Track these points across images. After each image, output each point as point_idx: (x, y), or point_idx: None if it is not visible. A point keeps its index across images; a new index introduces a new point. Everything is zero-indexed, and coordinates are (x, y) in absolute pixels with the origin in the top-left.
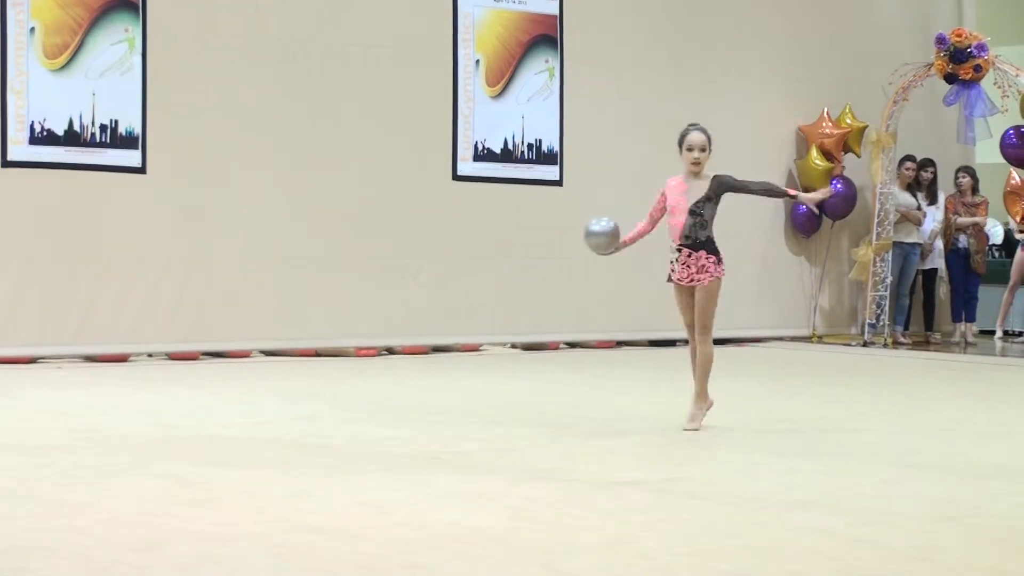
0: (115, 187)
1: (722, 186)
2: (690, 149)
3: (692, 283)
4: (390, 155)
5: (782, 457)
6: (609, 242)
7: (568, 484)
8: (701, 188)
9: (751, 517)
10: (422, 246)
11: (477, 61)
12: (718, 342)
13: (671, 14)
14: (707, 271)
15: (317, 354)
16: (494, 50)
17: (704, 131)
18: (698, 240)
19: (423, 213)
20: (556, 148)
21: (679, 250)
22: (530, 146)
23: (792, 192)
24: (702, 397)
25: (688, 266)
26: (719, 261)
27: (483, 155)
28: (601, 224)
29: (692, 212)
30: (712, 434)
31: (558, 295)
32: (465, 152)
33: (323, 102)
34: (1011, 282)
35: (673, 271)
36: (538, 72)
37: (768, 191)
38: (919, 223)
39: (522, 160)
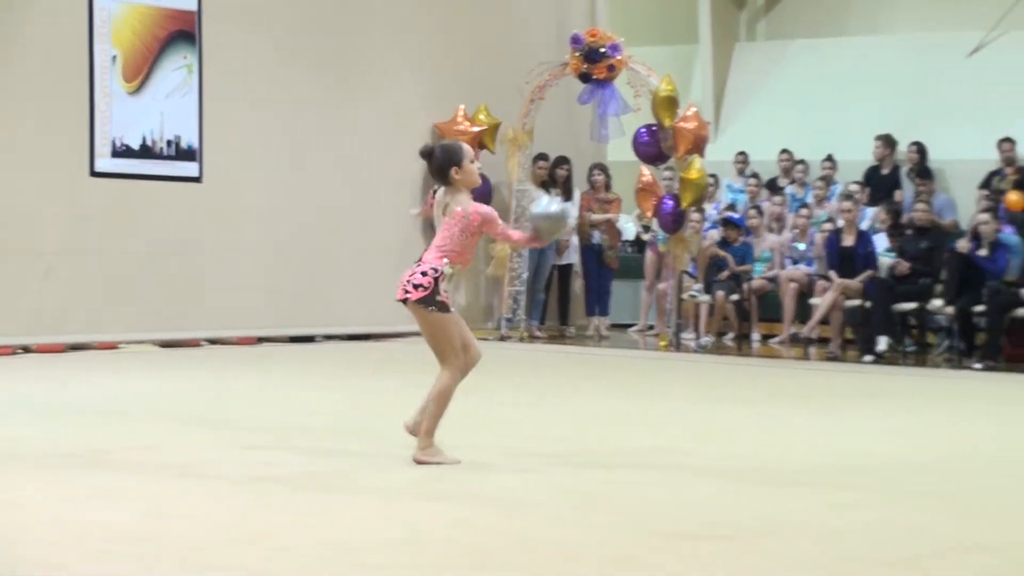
0: None
1: None
2: (472, 161)
3: None
4: (26, 150)
5: (411, 450)
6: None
7: (209, 481)
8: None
9: (390, 510)
10: (58, 242)
11: (114, 57)
12: (360, 337)
13: (312, 12)
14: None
15: None
16: (131, 46)
17: None
18: None
19: (60, 209)
20: (195, 145)
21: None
22: (169, 142)
23: None
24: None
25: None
26: None
27: (121, 151)
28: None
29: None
30: (349, 428)
31: (198, 291)
32: (103, 148)
33: None
34: (646, 280)
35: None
36: (176, 68)
37: None
38: None
39: (161, 156)
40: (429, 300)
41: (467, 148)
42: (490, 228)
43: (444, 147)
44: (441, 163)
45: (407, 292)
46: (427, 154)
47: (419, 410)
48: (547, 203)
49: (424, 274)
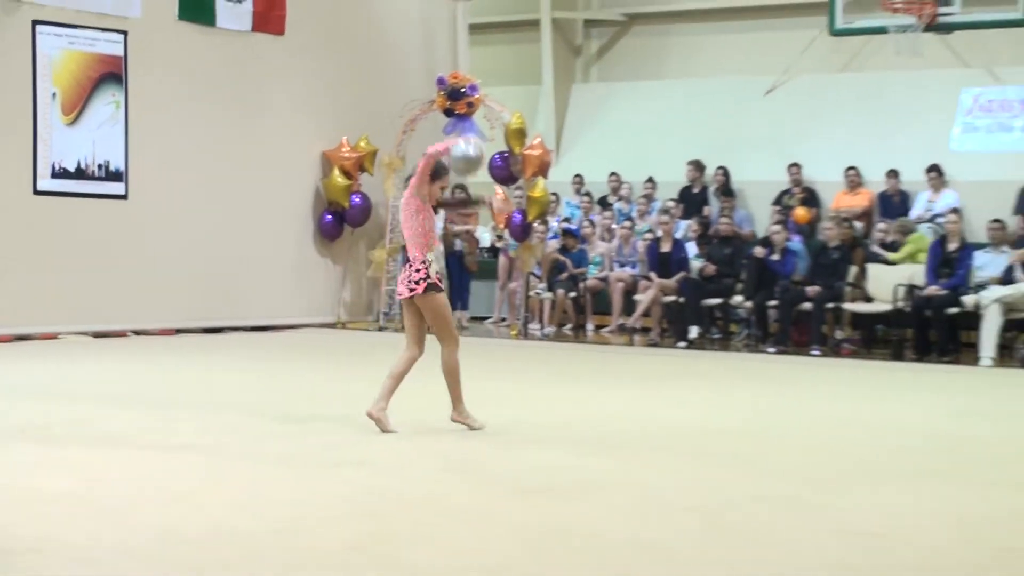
0: None
1: None
2: (442, 188)
3: None
4: None
5: (309, 423)
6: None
7: (136, 450)
8: None
9: (291, 473)
10: (7, 250)
11: (54, 94)
12: (259, 329)
13: (221, 57)
14: None
15: None
16: (68, 85)
17: None
18: None
19: (9, 222)
20: (122, 168)
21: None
22: (100, 166)
23: None
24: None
25: None
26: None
27: (60, 173)
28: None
29: None
30: (256, 404)
31: (125, 290)
32: (44, 171)
33: None
34: (500, 280)
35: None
36: (106, 104)
37: None
38: None
39: (93, 178)
40: (431, 287)
41: (448, 177)
42: (418, 180)
43: (440, 163)
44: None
45: (412, 290)
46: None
47: (379, 396)
48: (465, 147)
49: (417, 270)
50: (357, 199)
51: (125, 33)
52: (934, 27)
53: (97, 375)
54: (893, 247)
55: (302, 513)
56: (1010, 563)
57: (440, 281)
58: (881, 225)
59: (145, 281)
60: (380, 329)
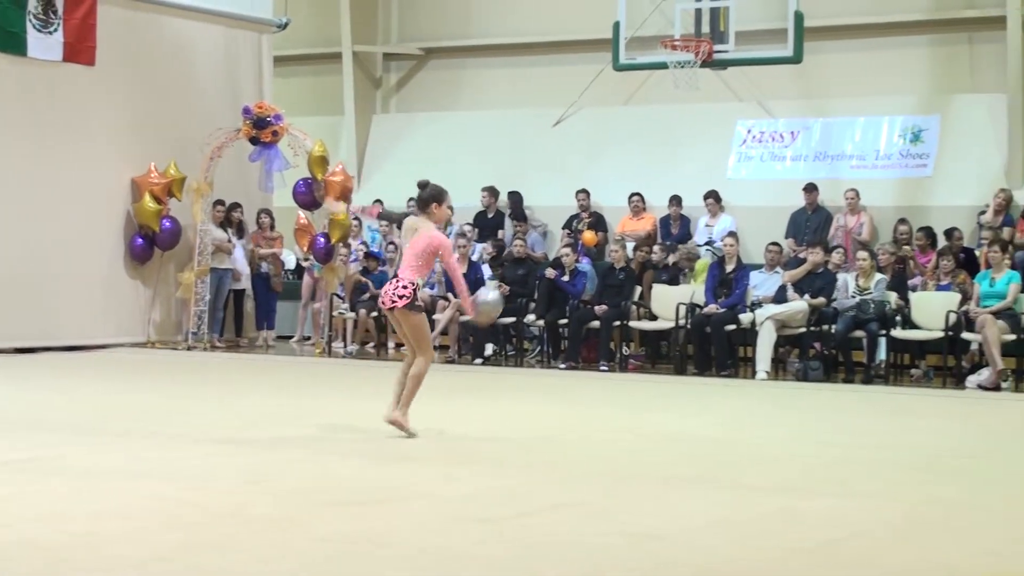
0: None
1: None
2: (449, 207)
3: None
4: None
5: (119, 438)
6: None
7: None
8: None
9: (100, 486)
10: None
11: None
12: (71, 349)
13: (32, 87)
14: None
15: None
16: None
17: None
18: None
19: None
20: None
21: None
22: None
23: None
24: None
25: None
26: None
27: None
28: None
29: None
30: (68, 422)
31: None
32: None
33: None
34: (303, 300)
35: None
36: None
37: None
38: (230, 253)
39: None
40: (412, 305)
41: (448, 195)
42: (444, 255)
43: (435, 186)
44: (428, 196)
45: (394, 302)
46: (423, 185)
47: (391, 405)
48: (486, 292)
49: (405, 287)
50: (167, 223)
51: None
52: (710, 63)
53: None
54: (676, 268)
55: (110, 525)
56: (786, 562)
57: (423, 304)
58: (657, 248)
59: None
60: (189, 348)
